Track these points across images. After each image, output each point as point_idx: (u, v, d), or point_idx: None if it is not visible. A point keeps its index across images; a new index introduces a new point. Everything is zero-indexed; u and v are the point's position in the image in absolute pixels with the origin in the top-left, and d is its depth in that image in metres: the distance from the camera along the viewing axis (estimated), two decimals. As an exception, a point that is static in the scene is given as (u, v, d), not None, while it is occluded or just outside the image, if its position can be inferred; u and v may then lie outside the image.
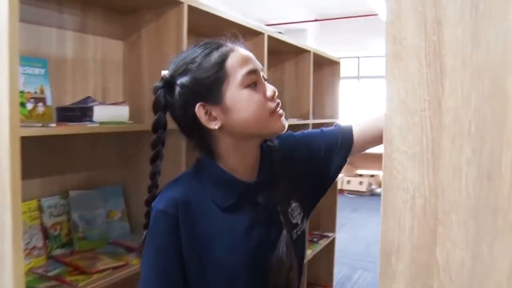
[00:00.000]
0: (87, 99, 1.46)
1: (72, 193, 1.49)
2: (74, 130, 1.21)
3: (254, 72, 0.84)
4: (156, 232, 0.86)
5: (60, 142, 1.46)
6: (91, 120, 1.31)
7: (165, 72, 0.88)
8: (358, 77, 7.91)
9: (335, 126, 1.04)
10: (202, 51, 0.85)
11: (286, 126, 0.88)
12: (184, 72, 0.85)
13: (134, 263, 1.38)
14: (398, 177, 0.55)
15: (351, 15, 5.80)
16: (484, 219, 0.50)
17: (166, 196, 0.87)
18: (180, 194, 0.85)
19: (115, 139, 1.69)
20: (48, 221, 1.40)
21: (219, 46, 0.86)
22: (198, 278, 0.85)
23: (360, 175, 7.14)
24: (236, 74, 0.83)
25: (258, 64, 0.87)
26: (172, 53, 1.55)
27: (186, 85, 0.84)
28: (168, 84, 0.87)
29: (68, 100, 1.49)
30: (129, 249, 1.49)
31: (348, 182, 6.91)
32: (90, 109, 1.32)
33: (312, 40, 6.25)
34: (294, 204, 0.93)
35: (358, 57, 7.76)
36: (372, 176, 7.20)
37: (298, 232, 0.93)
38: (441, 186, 0.53)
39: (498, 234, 0.50)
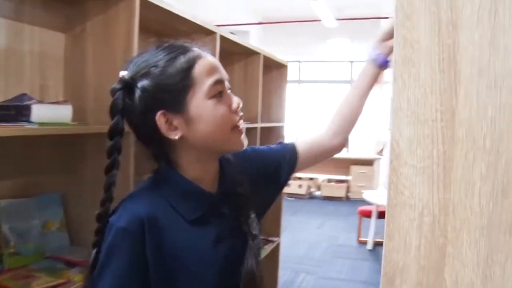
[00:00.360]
0: (22, 96, 1.28)
1: (2, 202, 1.31)
2: (9, 132, 1.05)
3: (220, 82, 0.80)
4: (117, 251, 0.76)
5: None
6: (28, 121, 1.15)
7: (124, 73, 0.80)
8: (299, 81, 8.05)
9: (279, 143, 1.06)
10: (167, 54, 0.79)
11: (246, 144, 0.85)
12: (145, 75, 0.78)
13: (77, 279, 1.23)
14: (405, 193, 0.50)
15: (294, 19, 5.87)
16: (497, 238, 0.47)
17: (128, 212, 0.78)
18: (143, 209, 0.78)
19: (54, 142, 1.52)
20: (-27, 236, 1.22)
21: (185, 51, 0.80)
22: None
23: (299, 178, 7.25)
24: (203, 83, 0.78)
25: (224, 74, 0.83)
26: (122, 50, 1.44)
27: (147, 90, 0.77)
28: (128, 86, 0.78)
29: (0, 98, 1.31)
30: (70, 264, 1.33)
31: (288, 185, 6.98)
32: (27, 108, 1.16)
33: (254, 42, 6.25)
34: (252, 216, 0.90)
35: (299, 61, 7.90)
36: (311, 179, 7.34)
37: (257, 243, 0.90)
38: (452, 203, 0.49)
39: (511, 254, 0.47)
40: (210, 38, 1.97)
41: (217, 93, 0.79)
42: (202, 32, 1.96)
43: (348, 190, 7.01)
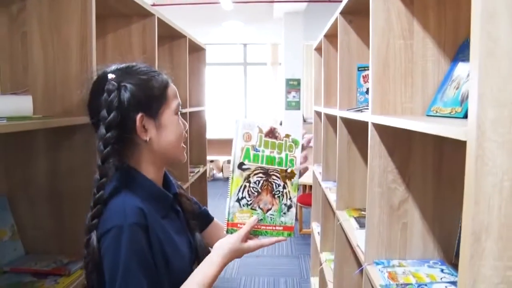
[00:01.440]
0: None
1: None
2: None
3: (179, 106, 0.99)
4: (135, 246, 0.83)
5: None
6: (-12, 116, 1.00)
7: (112, 76, 0.91)
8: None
9: (204, 208, 1.23)
10: (152, 71, 0.96)
11: None
12: (134, 82, 0.92)
13: (58, 289, 1.12)
14: (488, 164, 0.60)
15: (189, 2, 5.75)
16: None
17: (129, 207, 0.86)
18: (139, 202, 0.88)
19: (-8, 139, 1.32)
20: None
21: (160, 73, 0.98)
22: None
23: (199, 162, 7.26)
24: (172, 102, 0.96)
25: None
26: (76, 33, 1.31)
27: (134, 94, 0.91)
28: (118, 88, 0.91)
29: None
30: (39, 275, 1.20)
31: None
32: (-13, 102, 1.01)
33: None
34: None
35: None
36: (211, 161, 7.41)
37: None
38: (526, 168, 0.60)
39: None
40: (149, 19, 1.88)
41: (178, 112, 0.97)
42: (140, 14, 1.85)
43: (248, 170, 7.22)
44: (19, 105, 1.10)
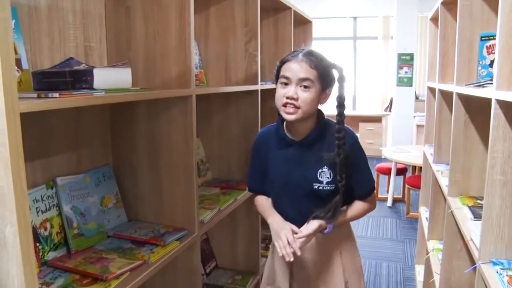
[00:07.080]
0: (69, 61, 1.16)
1: (60, 181, 1.21)
2: (82, 102, 0.91)
3: (286, 77, 1.24)
4: (253, 149, 1.46)
5: (37, 117, 1.15)
6: (90, 88, 1.03)
7: None
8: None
9: None
10: (288, 54, 1.30)
11: (291, 118, 1.25)
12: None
13: (152, 260, 1.16)
14: None
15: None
16: None
17: (261, 132, 1.47)
18: (265, 133, 1.43)
19: (99, 111, 1.40)
20: (36, 219, 1.12)
21: (289, 55, 1.29)
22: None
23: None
24: (280, 77, 1.27)
25: (295, 74, 1.23)
26: (175, 7, 1.30)
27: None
28: None
29: (46, 63, 1.18)
30: (137, 243, 1.25)
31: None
32: (89, 74, 1.04)
33: None
34: (325, 169, 1.30)
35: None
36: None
37: (320, 187, 1.30)
38: None
39: None
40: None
41: (282, 83, 1.25)
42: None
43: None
44: (118, 77, 1.13)
